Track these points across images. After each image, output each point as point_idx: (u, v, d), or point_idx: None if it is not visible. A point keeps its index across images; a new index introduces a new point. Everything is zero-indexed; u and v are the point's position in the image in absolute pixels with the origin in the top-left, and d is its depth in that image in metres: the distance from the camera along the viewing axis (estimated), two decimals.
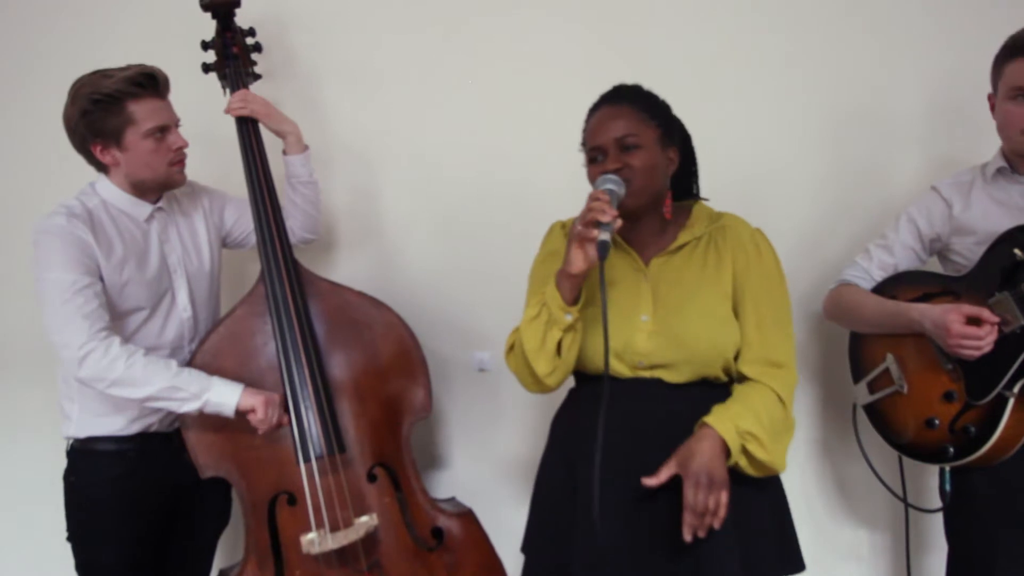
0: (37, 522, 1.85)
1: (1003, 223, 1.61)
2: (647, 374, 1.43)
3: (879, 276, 1.82)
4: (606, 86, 1.51)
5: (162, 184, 1.77)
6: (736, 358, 1.44)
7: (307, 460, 1.70)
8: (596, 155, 1.44)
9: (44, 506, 1.93)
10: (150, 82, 1.68)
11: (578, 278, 1.35)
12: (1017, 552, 1.60)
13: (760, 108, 2.14)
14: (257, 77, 2.03)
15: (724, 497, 1.29)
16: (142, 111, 1.67)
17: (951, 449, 1.62)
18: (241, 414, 1.65)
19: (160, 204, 1.80)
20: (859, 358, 1.86)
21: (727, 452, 1.33)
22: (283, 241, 1.81)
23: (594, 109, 1.48)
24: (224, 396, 1.64)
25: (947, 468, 1.67)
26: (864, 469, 1.91)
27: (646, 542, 1.36)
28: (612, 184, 1.36)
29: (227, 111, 1.91)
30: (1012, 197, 1.66)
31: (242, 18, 2.02)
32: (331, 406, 1.74)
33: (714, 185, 2.14)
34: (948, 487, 1.68)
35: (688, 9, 2.15)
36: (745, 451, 1.34)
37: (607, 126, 1.42)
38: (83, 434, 1.76)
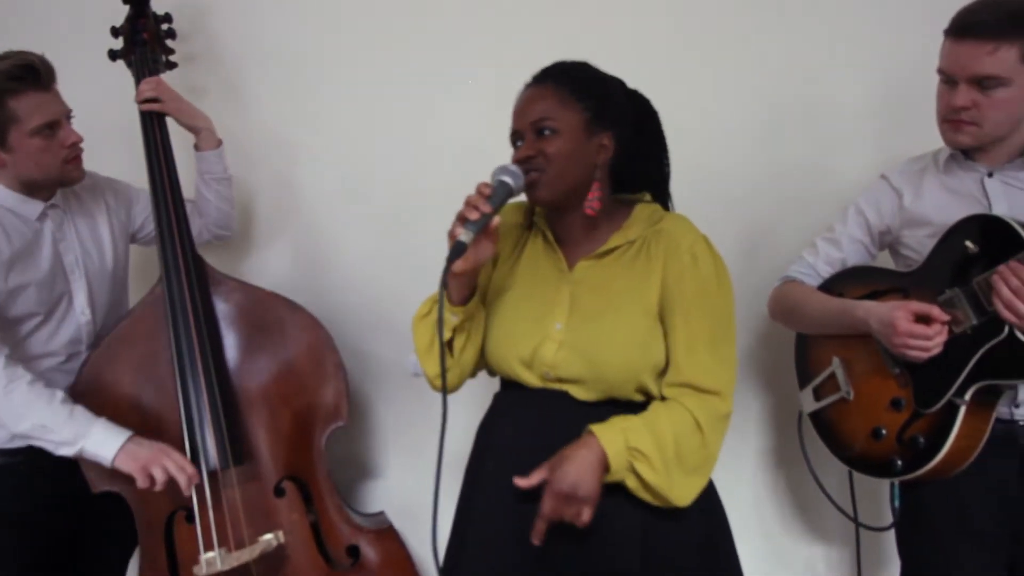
0: None
1: (956, 214, 1.47)
2: (555, 386, 1.30)
3: (826, 272, 1.69)
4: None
5: (56, 182, 1.65)
6: (658, 381, 1.29)
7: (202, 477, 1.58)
8: (515, 140, 1.31)
9: None
10: (30, 74, 1.54)
11: (464, 276, 1.23)
12: (970, 569, 1.48)
13: (697, 101, 2.00)
14: (172, 66, 1.92)
15: (586, 513, 1.17)
16: (25, 107, 1.53)
17: (899, 462, 1.49)
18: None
19: (54, 201, 1.68)
20: (805, 362, 1.73)
21: (608, 466, 1.19)
22: (184, 238, 1.70)
23: (522, 90, 1.34)
24: (100, 447, 1.52)
25: (896, 483, 1.54)
26: (825, 480, 1.77)
27: (534, 558, 1.24)
28: (506, 176, 1.23)
29: (137, 99, 1.79)
30: (966, 185, 1.52)
31: (161, 4, 1.91)
32: (228, 415, 1.62)
33: None
34: (897, 503, 1.55)
35: (625, 4, 2.01)
36: (634, 472, 1.21)
37: (526, 109, 1.29)
38: None
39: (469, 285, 1.26)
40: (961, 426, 1.41)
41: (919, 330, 1.41)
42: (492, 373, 1.41)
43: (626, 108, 1.34)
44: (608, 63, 1.94)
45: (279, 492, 1.66)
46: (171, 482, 1.57)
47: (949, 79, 1.44)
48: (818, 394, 1.68)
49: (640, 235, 1.32)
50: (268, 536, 1.59)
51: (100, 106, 1.83)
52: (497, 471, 1.32)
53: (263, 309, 1.72)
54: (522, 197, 1.30)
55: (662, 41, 2.00)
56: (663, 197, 1.43)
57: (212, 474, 1.60)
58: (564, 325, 1.29)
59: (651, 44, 2.00)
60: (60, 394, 1.56)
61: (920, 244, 1.56)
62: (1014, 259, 1.31)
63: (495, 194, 1.21)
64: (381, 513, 1.90)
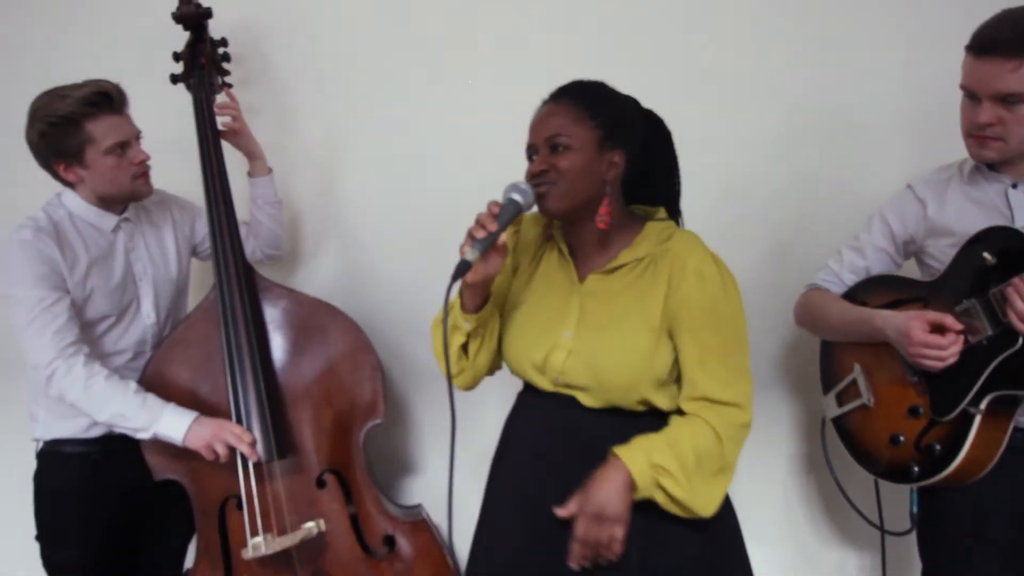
0: (17, 520, 1.92)
1: (979, 224, 1.47)
2: (565, 391, 1.37)
3: (850, 280, 1.71)
4: None
5: (127, 196, 1.82)
6: (659, 392, 1.35)
7: (244, 466, 1.71)
8: (531, 153, 1.38)
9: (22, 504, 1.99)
10: (105, 100, 1.70)
11: (475, 287, 1.32)
12: (985, 575, 1.48)
13: (726, 109, 2.04)
14: (227, 87, 2.05)
15: (619, 532, 1.23)
16: (100, 129, 1.70)
17: (916, 468, 1.51)
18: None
19: (126, 215, 1.85)
20: (829, 368, 1.76)
21: (634, 485, 1.25)
22: (235, 248, 1.83)
23: (540, 106, 1.40)
24: (171, 429, 1.67)
25: (914, 489, 1.56)
26: (852, 485, 1.80)
27: (541, 558, 1.33)
28: (516, 193, 1.31)
29: (217, 109, 1.93)
30: (989, 196, 1.52)
31: (219, 28, 2.05)
32: (274, 412, 1.74)
33: (687, 192, 2.10)
34: (915, 508, 1.57)
35: (650, 12, 2.06)
36: (661, 487, 1.26)
37: (541, 124, 1.35)
38: (49, 436, 1.82)
39: (482, 294, 1.34)
40: (976, 435, 1.43)
41: (933, 340, 1.43)
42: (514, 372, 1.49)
43: (638, 127, 1.39)
44: (637, 72, 2.03)
45: (321, 484, 1.77)
46: (224, 473, 1.71)
47: (972, 95, 1.45)
48: (840, 400, 1.70)
49: (648, 253, 1.36)
50: (310, 524, 1.71)
51: (164, 126, 1.97)
52: (512, 467, 1.41)
53: (307, 314, 1.83)
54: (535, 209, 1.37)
55: (691, 49, 2.05)
56: (674, 213, 1.48)
57: (258, 466, 1.72)
58: (573, 334, 1.35)
59: (678, 52, 2.05)
60: (133, 385, 1.70)
61: (943, 254, 1.57)
62: None
63: (503, 212, 1.29)
64: (418, 506, 2.00)
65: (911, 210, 1.64)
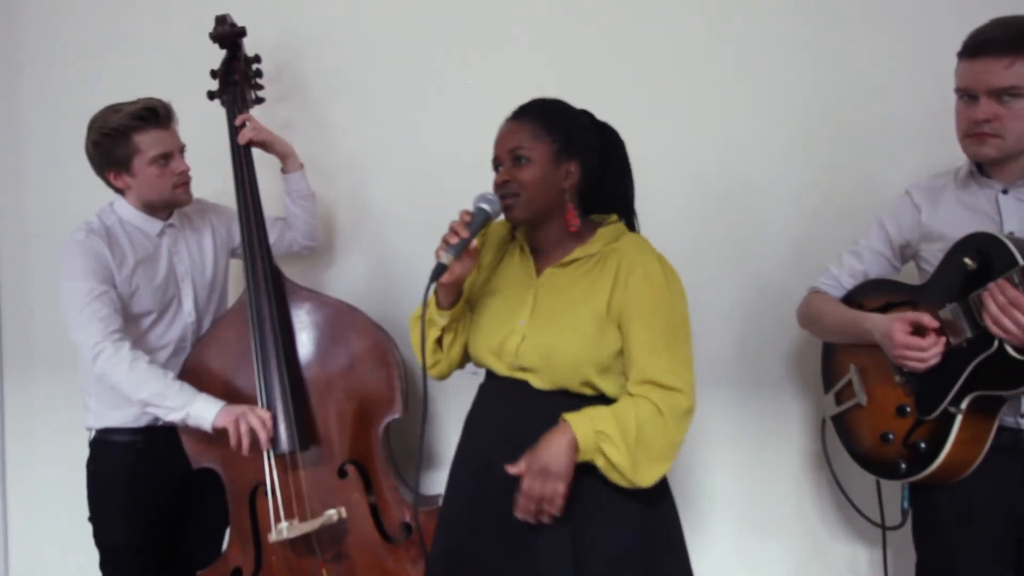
0: (77, 502, 2.10)
1: (969, 229, 1.51)
2: (519, 375, 1.50)
3: (849, 284, 1.76)
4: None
5: (169, 203, 1.98)
6: (603, 377, 1.46)
7: (270, 456, 1.85)
8: (496, 164, 1.53)
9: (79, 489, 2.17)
10: (152, 115, 1.89)
11: (449, 287, 1.48)
12: (973, 569, 1.53)
13: (745, 110, 2.10)
14: (259, 101, 2.19)
15: (561, 487, 1.36)
16: (146, 141, 1.88)
17: (903, 465, 1.56)
18: (218, 431, 1.83)
19: (171, 221, 2.01)
20: (829, 368, 1.81)
21: (577, 447, 1.37)
22: (264, 253, 1.97)
23: (503, 123, 1.55)
24: (203, 411, 1.82)
25: (905, 485, 1.61)
26: (857, 481, 1.83)
27: (492, 532, 1.47)
28: (484, 203, 1.47)
29: (240, 139, 2.06)
30: (980, 202, 1.56)
31: (256, 47, 2.19)
32: (297, 406, 1.88)
33: (699, 192, 2.17)
34: (906, 504, 1.62)
35: (670, 10, 2.14)
36: (602, 452, 1.38)
37: (504, 139, 1.51)
38: (100, 425, 1.99)
39: (455, 292, 1.51)
40: (958, 433, 1.47)
41: (914, 342, 1.48)
42: (478, 364, 1.62)
43: (592, 139, 1.54)
44: (661, 76, 2.15)
45: (342, 473, 1.90)
46: (253, 462, 1.86)
47: (968, 95, 1.49)
48: (838, 399, 1.76)
49: (599, 250, 1.51)
50: (331, 511, 1.84)
51: (205, 139, 2.13)
52: (471, 444, 1.58)
53: (331, 314, 1.96)
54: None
55: (724, 55, 2.11)
56: (629, 217, 1.61)
57: (281, 456, 1.87)
58: (528, 321, 1.49)
59: (701, 50, 2.12)
60: (171, 374, 1.87)
61: (936, 258, 1.60)
62: (1003, 277, 1.36)
63: (474, 220, 1.45)
64: (437, 496, 2.11)
65: (907, 215, 1.68)
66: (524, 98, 2.16)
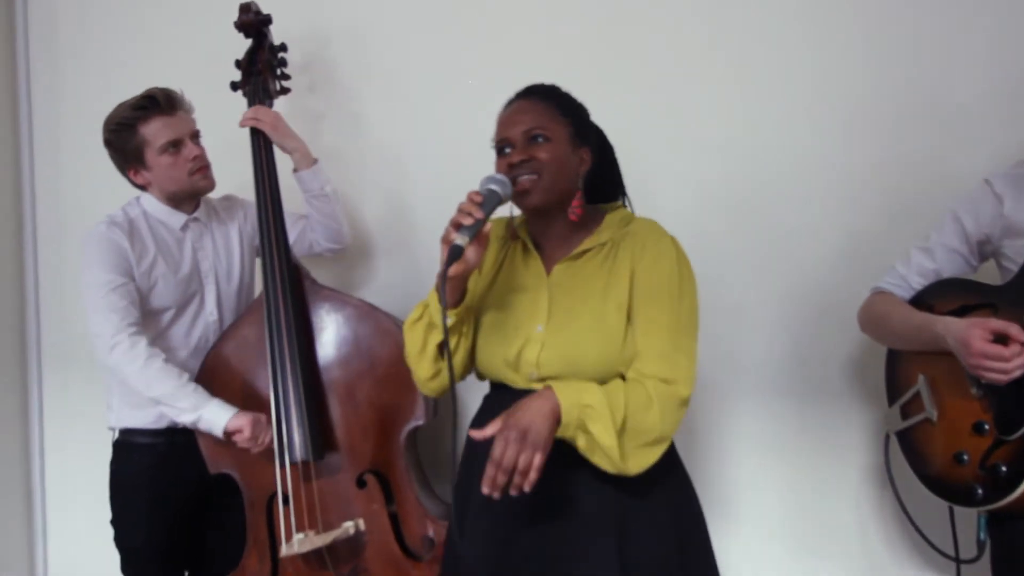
0: (101, 503, 2.06)
1: None
2: (539, 386, 1.32)
3: (918, 284, 1.58)
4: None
5: (190, 192, 1.91)
6: None
7: (283, 465, 1.76)
8: (503, 146, 1.38)
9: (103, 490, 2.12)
10: (152, 103, 1.83)
11: (455, 280, 1.31)
12: None
13: (799, 96, 1.94)
14: (284, 92, 2.11)
15: (537, 459, 1.18)
16: (151, 130, 1.83)
17: (980, 490, 1.37)
18: (229, 435, 1.76)
19: (196, 215, 1.94)
20: (894, 378, 1.63)
21: (559, 419, 1.21)
22: (281, 250, 1.88)
23: (507, 105, 1.42)
24: (216, 416, 1.76)
25: (981, 513, 1.42)
26: (927, 504, 1.63)
27: (512, 552, 1.33)
28: (495, 184, 1.30)
29: (240, 124, 2.00)
30: None
31: (284, 36, 2.11)
32: (312, 413, 1.78)
33: (748, 183, 2.01)
34: (983, 535, 1.43)
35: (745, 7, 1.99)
36: (586, 429, 1.22)
37: (517, 119, 1.37)
38: (121, 424, 1.94)
39: (461, 288, 1.34)
40: None
41: (994, 351, 1.30)
42: (481, 377, 1.47)
43: (597, 132, 1.46)
44: (719, 64, 2.02)
45: (361, 483, 1.79)
46: (270, 470, 1.78)
47: None
48: (904, 413, 1.58)
49: (611, 237, 1.39)
50: (348, 523, 1.74)
51: (229, 131, 2.05)
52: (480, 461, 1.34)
53: (352, 315, 1.85)
54: (503, 209, 1.37)
55: (776, 38, 1.97)
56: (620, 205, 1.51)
57: (295, 465, 1.77)
58: (545, 327, 1.34)
59: (760, 41, 1.98)
60: (186, 375, 1.81)
61: (1021, 256, 1.43)
62: None
63: (486, 201, 1.28)
64: None
65: (986, 207, 1.49)
66: (579, 84, 2.06)
